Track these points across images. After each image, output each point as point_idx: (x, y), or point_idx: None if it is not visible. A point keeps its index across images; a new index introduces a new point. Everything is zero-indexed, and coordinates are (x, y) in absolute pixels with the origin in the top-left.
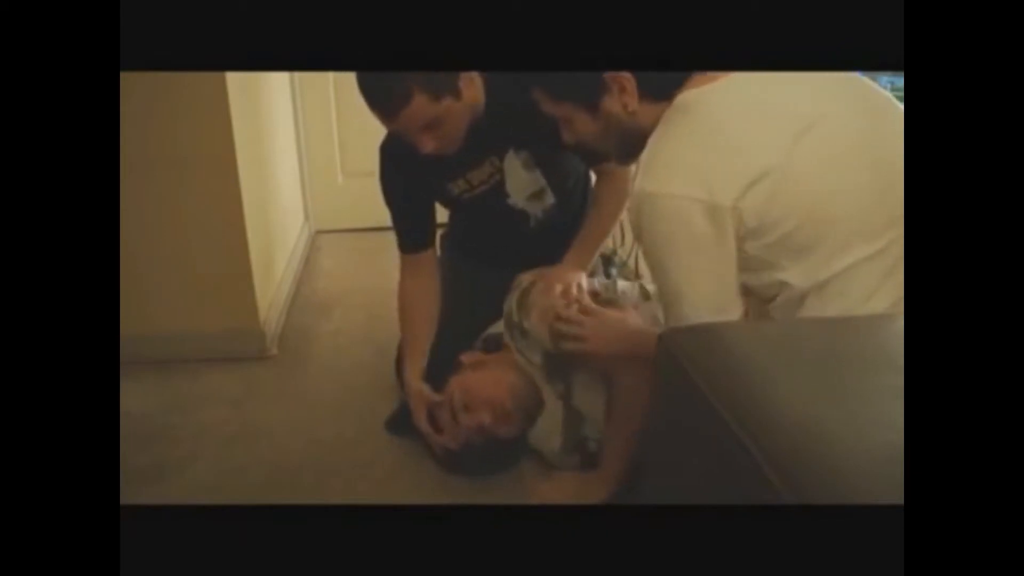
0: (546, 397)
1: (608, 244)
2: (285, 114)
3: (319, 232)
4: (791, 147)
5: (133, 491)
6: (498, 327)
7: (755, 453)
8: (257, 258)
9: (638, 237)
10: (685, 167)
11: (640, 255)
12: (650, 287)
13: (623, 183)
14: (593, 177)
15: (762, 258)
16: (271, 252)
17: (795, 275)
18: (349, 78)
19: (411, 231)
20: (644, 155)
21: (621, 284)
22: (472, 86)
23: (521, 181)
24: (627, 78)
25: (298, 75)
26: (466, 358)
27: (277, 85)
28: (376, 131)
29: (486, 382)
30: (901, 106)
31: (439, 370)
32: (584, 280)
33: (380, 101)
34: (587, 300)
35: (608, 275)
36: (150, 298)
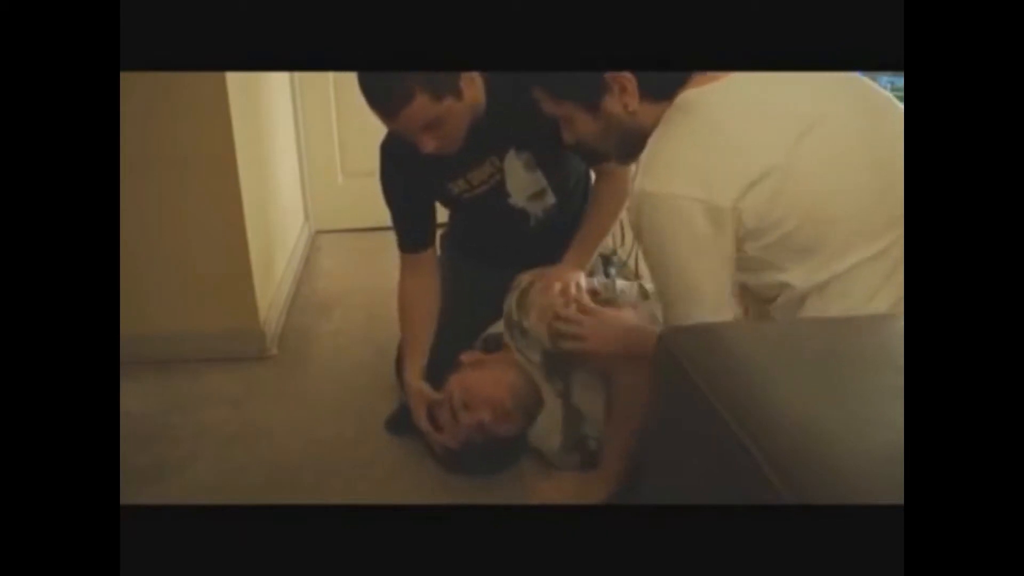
0: (546, 396)
1: (608, 244)
2: (285, 114)
3: (319, 232)
4: (792, 147)
5: (133, 491)
6: (498, 327)
7: (755, 453)
8: (257, 258)
9: (637, 236)
10: (685, 167)
11: (640, 255)
12: (649, 286)
13: (623, 182)
14: (592, 176)
15: (762, 259)
16: (271, 252)
17: (796, 276)
18: (349, 78)
19: (411, 230)
20: (644, 155)
21: (620, 283)
22: (473, 86)
23: (522, 181)
24: (628, 78)
25: (298, 75)
26: (466, 357)
27: (277, 85)
28: (376, 131)
29: (486, 381)
30: (901, 106)
31: (439, 370)
32: (583, 279)
33: (381, 100)
34: (586, 299)
35: (607, 275)
36: (150, 298)
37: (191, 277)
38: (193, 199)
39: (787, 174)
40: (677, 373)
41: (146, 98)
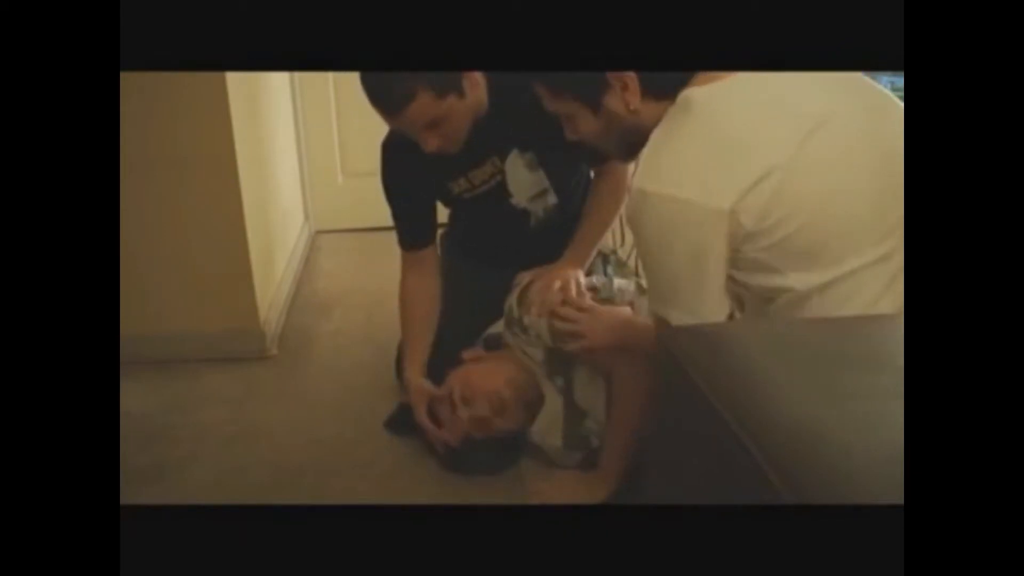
0: (547, 393)
1: (608, 243)
2: (285, 114)
3: (319, 232)
4: (795, 147)
5: (133, 491)
6: (498, 327)
7: (755, 453)
8: (257, 258)
9: (634, 234)
10: (683, 168)
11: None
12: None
13: (622, 181)
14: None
15: (762, 260)
16: (271, 252)
17: (796, 279)
18: (349, 78)
19: (412, 228)
20: (644, 153)
21: (618, 282)
22: (476, 86)
23: (524, 181)
24: (630, 76)
25: (298, 75)
26: (467, 354)
27: (277, 85)
28: (376, 131)
29: (486, 375)
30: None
31: (439, 369)
32: (582, 277)
33: (384, 98)
34: (584, 297)
35: (605, 273)
36: (150, 298)
37: (191, 277)
38: (193, 199)
39: (789, 174)
40: (677, 373)
41: (146, 98)
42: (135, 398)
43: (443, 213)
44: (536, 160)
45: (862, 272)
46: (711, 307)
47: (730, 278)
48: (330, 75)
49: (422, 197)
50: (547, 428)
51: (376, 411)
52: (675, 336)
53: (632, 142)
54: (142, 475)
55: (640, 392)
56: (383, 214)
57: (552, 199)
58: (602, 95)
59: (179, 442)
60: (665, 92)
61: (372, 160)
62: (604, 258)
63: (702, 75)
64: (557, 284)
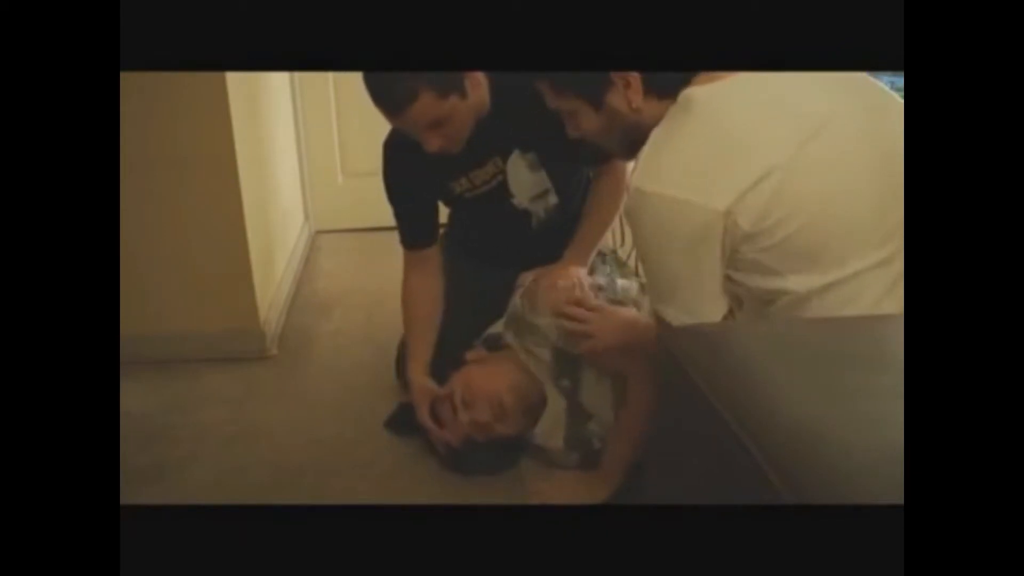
0: (550, 395)
1: (608, 243)
2: (285, 114)
3: (319, 232)
4: (795, 146)
5: (133, 491)
6: (498, 327)
7: (755, 453)
8: (257, 258)
9: (632, 232)
10: (682, 168)
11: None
12: None
13: (622, 180)
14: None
15: (761, 262)
16: (271, 252)
17: (795, 282)
18: (349, 78)
19: (413, 228)
20: (643, 152)
21: (621, 281)
22: (478, 86)
23: (526, 182)
24: (633, 75)
25: (298, 75)
26: (470, 355)
27: (277, 85)
28: (377, 131)
29: (487, 378)
30: None
31: (440, 369)
32: (586, 277)
33: (386, 98)
34: (592, 297)
35: (605, 273)
36: (150, 298)
37: (191, 277)
38: (193, 199)
39: (789, 174)
40: (677, 373)
41: (146, 98)
42: (135, 398)
43: (444, 213)
44: (537, 160)
45: (863, 275)
46: (709, 306)
47: (729, 278)
48: (330, 75)
49: (424, 197)
50: (550, 430)
51: (376, 411)
52: (675, 336)
53: (633, 140)
54: (142, 475)
55: (650, 394)
56: (383, 214)
57: (553, 199)
58: (605, 93)
59: (179, 442)
60: (667, 91)
61: (372, 160)
62: (603, 257)
63: (703, 74)
64: (564, 283)
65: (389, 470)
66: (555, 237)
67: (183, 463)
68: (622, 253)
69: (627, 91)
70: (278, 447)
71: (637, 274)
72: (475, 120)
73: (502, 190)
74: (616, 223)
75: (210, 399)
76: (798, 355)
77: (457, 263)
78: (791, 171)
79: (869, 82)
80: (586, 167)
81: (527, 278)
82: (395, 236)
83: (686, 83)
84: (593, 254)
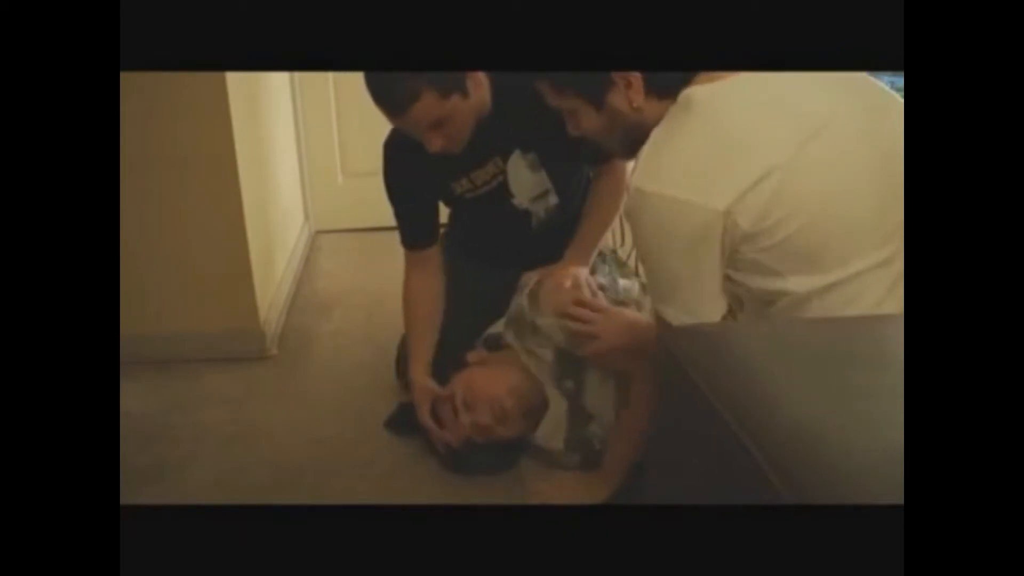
0: (551, 396)
1: (608, 242)
2: (285, 114)
3: (319, 232)
4: (796, 146)
5: (133, 491)
6: (498, 327)
7: (755, 453)
8: (257, 258)
9: (632, 232)
10: (682, 168)
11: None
12: None
13: (622, 180)
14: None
15: (761, 262)
16: (271, 252)
17: (796, 282)
18: (349, 78)
19: (414, 228)
20: (643, 151)
21: (622, 281)
22: (480, 86)
23: (526, 182)
24: (634, 74)
25: (298, 75)
26: (471, 356)
27: (277, 85)
28: (377, 131)
29: (488, 381)
30: None
31: (441, 369)
32: (589, 277)
33: (388, 98)
34: (597, 297)
35: (605, 272)
36: (150, 298)
37: (191, 277)
38: (193, 199)
39: (789, 174)
40: (677, 373)
41: (146, 98)
42: (135, 398)
43: (444, 213)
44: (538, 161)
45: (864, 275)
46: (709, 306)
47: (729, 279)
48: (330, 75)
49: (424, 197)
50: (551, 432)
51: (376, 411)
52: (675, 336)
53: (634, 139)
54: (142, 475)
55: (653, 395)
56: (383, 214)
57: (554, 200)
58: (606, 92)
59: (179, 442)
60: (668, 90)
61: (372, 160)
62: (603, 257)
63: (704, 74)
64: (568, 283)
65: (389, 470)
66: (555, 237)
67: (183, 463)
68: (622, 253)
69: (628, 91)
70: (278, 447)
71: (637, 274)
72: (476, 120)
73: (502, 190)
74: (616, 223)
75: (210, 399)
76: (798, 355)
77: (458, 263)
78: (791, 171)
79: (869, 82)
80: (586, 167)
81: (530, 278)
82: (395, 236)
83: (686, 83)
84: (594, 254)
